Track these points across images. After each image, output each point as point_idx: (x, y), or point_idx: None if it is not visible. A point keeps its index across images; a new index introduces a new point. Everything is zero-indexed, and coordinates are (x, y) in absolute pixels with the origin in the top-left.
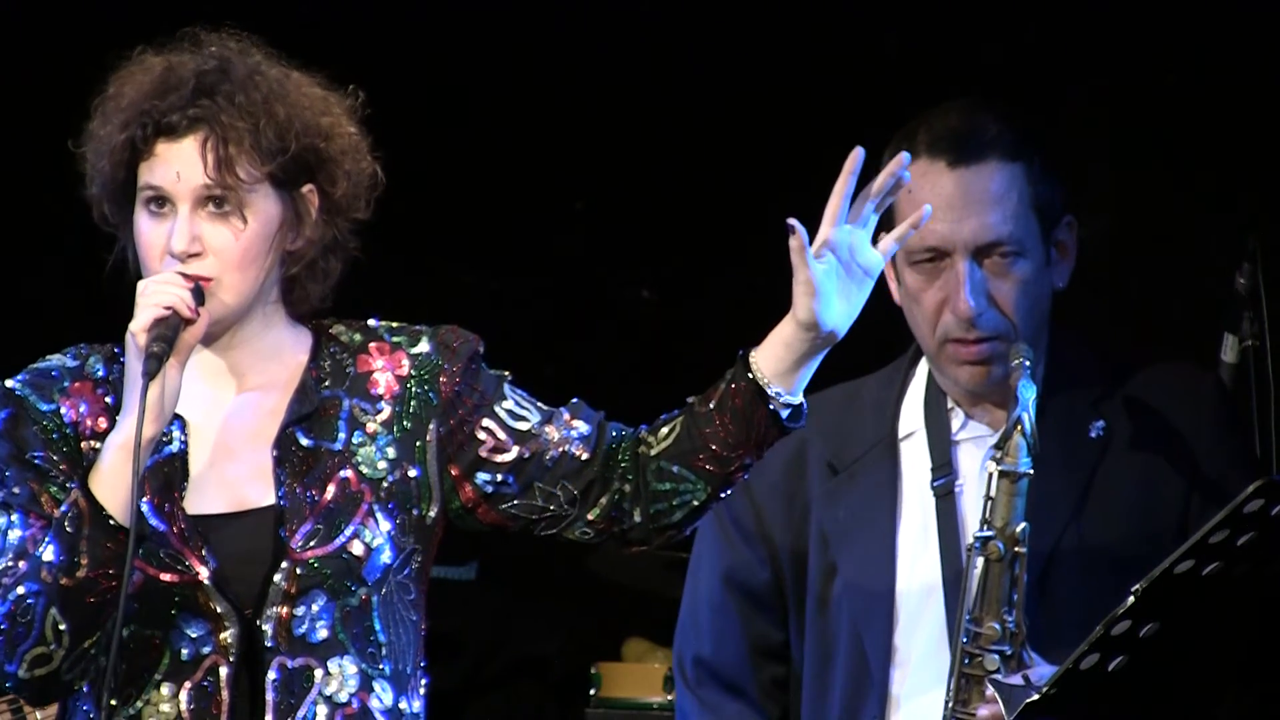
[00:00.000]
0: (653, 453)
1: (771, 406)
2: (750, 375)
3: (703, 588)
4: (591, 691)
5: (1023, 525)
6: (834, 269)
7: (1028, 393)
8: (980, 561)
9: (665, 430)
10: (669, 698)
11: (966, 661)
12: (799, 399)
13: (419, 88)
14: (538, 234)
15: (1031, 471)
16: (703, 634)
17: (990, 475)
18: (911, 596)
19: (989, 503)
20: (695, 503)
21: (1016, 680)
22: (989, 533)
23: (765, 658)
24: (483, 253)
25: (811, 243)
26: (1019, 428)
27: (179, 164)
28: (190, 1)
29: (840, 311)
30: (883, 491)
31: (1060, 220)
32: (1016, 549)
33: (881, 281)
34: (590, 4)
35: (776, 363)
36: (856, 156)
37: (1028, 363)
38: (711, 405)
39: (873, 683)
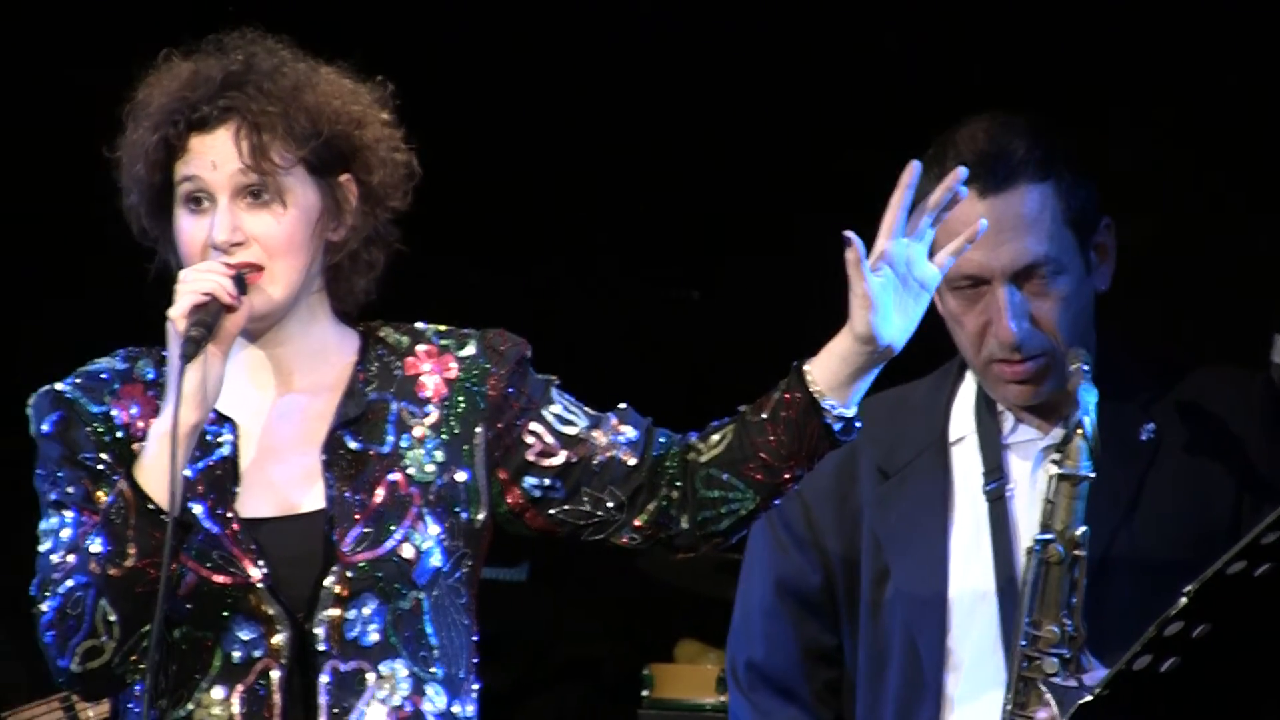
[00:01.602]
0: (702, 459)
1: (825, 419)
2: (804, 387)
3: (755, 593)
4: (644, 693)
5: (1083, 529)
6: (890, 282)
7: (1089, 396)
8: (1039, 565)
9: (716, 437)
10: (721, 699)
11: (1025, 665)
12: (852, 412)
13: (462, 87)
14: (585, 235)
15: (1093, 475)
16: (755, 639)
17: (1050, 478)
18: (964, 600)
19: (1049, 506)
20: (743, 511)
21: (1070, 682)
22: (1049, 536)
23: (818, 662)
24: (526, 255)
25: (868, 255)
26: (1080, 431)
27: (213, 155)
28: (218, 7)
29: (897, 325)
30: (934, 496)
31: (1097, 225)
32: (1076, 552)
33: None
34: (629, 3)
35: (831, 375)
36: (913, 170)
37: (1086, 367)
38: (764, 415)
39: (927, 686)
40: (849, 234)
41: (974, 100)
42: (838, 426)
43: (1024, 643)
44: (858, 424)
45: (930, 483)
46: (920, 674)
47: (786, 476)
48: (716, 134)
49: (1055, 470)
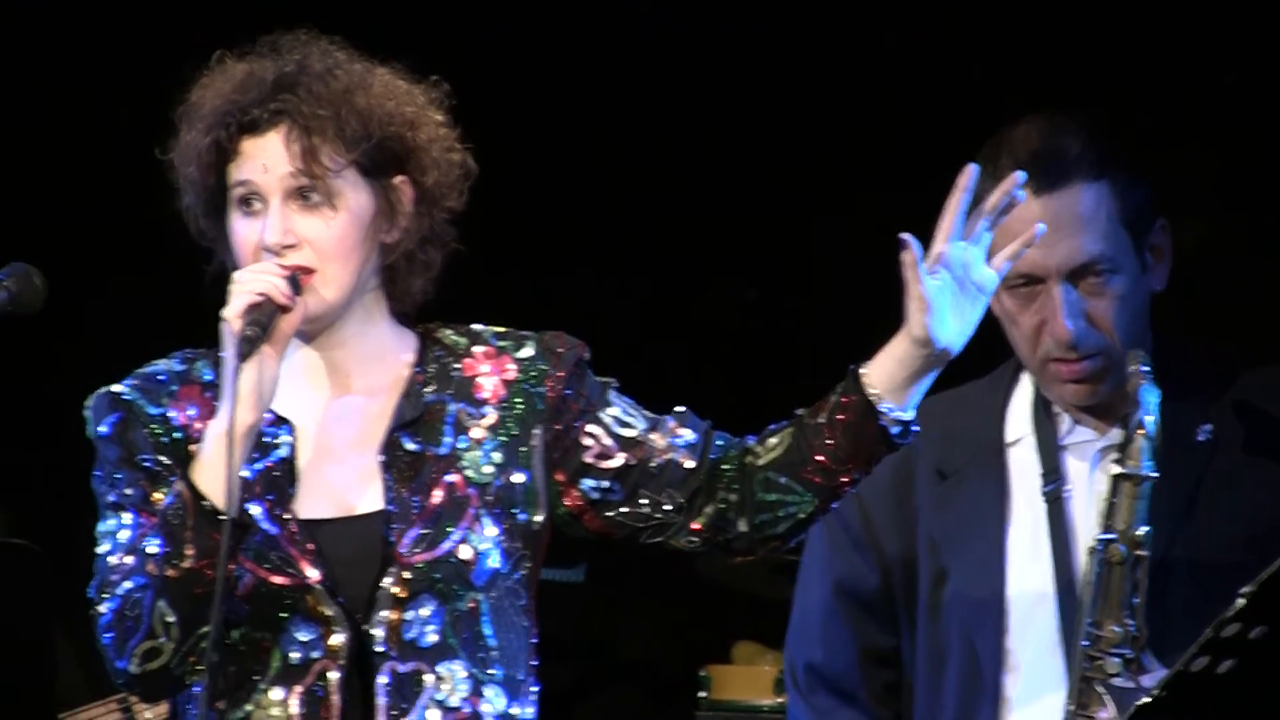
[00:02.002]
0: (760, 463)
1: (881, 422)
2: (861, 390)
3: (813, 595)
4: (701, 694)
5: (1145, 529)
6: (947, 285)
7: (1151, 396)
8: (1101, 565)
9: (773, 441)
10: (779, 700)
11: (1087, 665)
12: (909, 415)
13: (520, 88)
14: (639, 234)
15: (1155, 475)
16: (814, 641)
17: (1112, 478)
18: (1023, 601)
19: (1110, 505)
20: (801, 515)
21: (1128, 683)
22: (1111, 535)
23: (876, 664)
24: (582, 254)
25: (925, 258)
26: (1141, 431)
27: (265, 158)
28: (275, 8)
29: (954, 328)
30: (991, 497)
31: (1153, 225)
32: (1138, 552)
33: None
34: (683, 5)
35: (888, 378)
36: (970, 173)
37: (1146, 367)
38: (821, 418)
39: (985, 687)
40: (906, 236)
41: (1026, 103)
42: (895, 430)
43: (1086, 643)
44: (915, 427)
45: (987, 484)
46: (979, 675)
47: (844, 480)
48: (772, 132)
49: (1117, 470)
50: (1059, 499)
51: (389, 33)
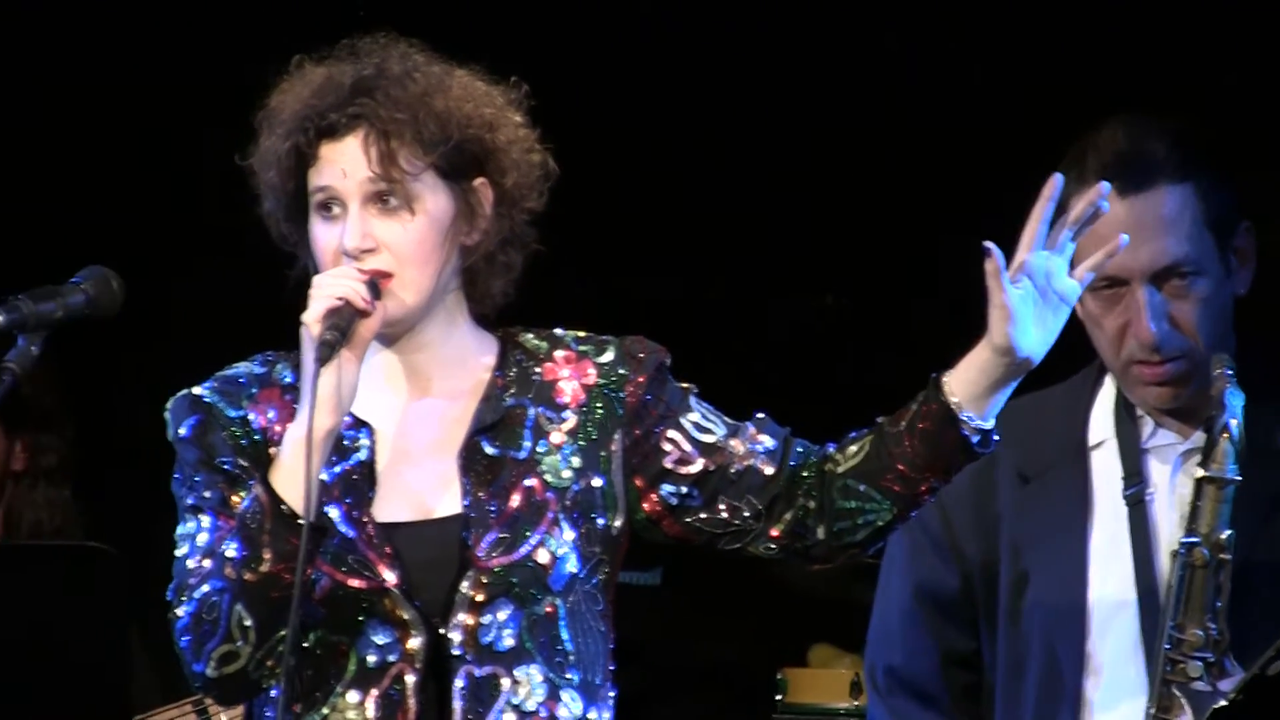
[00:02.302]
0: (839, 470)
1: (962, 431)
2: (941, 398)
3: (893, 598)
4: (778, 697)
5: (1228, 532)
6: (1030, 294)
7: (1235, 400)
8: (1184, 568)
9: (854, 448)
10: (855, 703)
11: (1169, 669)
12: (990, 424)
13: (594, 92)
14: (720, 240)
15: (1239, 478)
16: (894, 644)
17: (1195, 481)
18: (1104, 605)
19: (1194, 509)
20: (880, 523)
21: (1204, 686)
22: (1194, 539)
23: (957, 667)
24: (663, 259)
25: (1008, 266)
26: (1226, 435)
27: (343, 163)
28: (352, 11)
29: (1036, 337)
30: (1074, 500)
31: (1237, 228)
32: (1221, 556)
33: None
34: (766, 11)
35: (969, 386)
36: (1054, 183)
37: (1230, 371)
38: (902, 425)
39: (1066, 691)
40: (989, 245)
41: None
42: (975, 439)
43: (1168, 646)
44: (995, 436)
45: (1069, 487)
46: (1060, 679)
47: (923, 488)
48: (855, 138)
49: (1201, 473)
50: (1141, 502)
51: (469, 34)
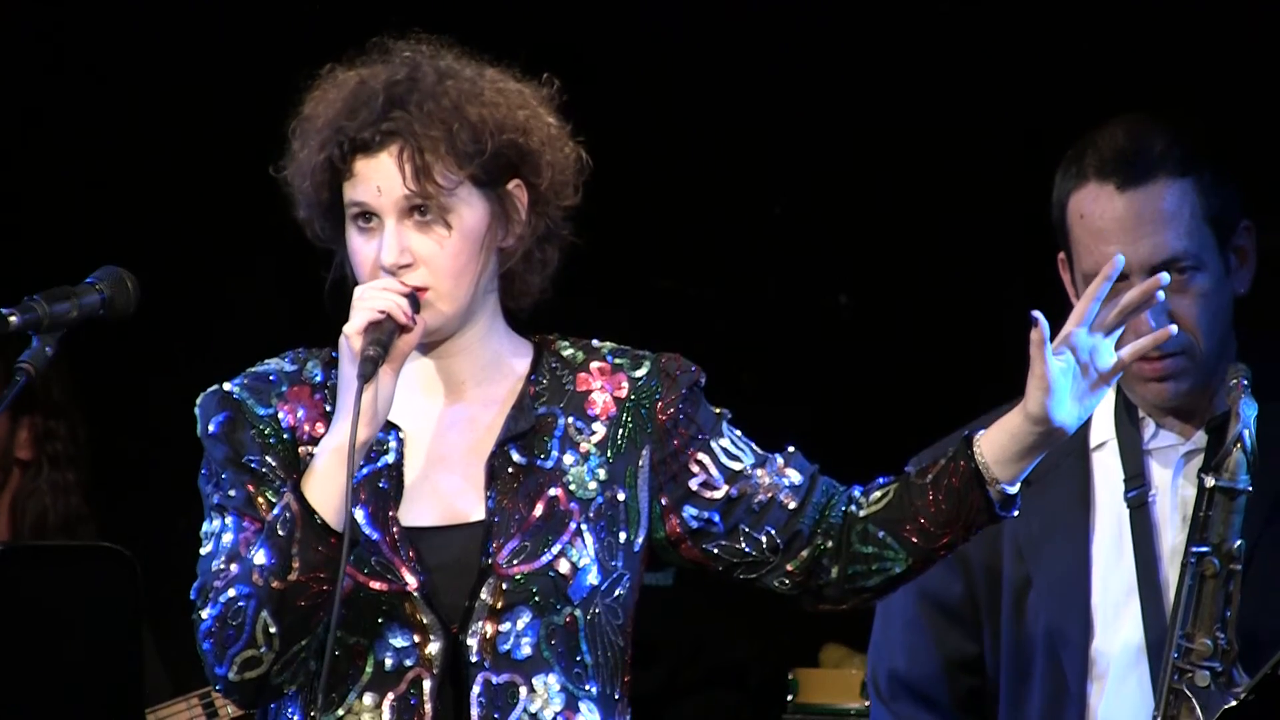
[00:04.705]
0: (861, 514)
1: (988, 493)
2: (971, 457)
3: (896, 602)
4: (789, 697)
5: (1239, 542)
6: (1070, 368)
7: (1249, 410)
8: (1194, 578)
9: (878, 494)
10: (866, 704)
11: (1176, 677)
12: (1015, 489)
13: (600, 93)
14: (733, 240)
15: (1251, 489)
16: (896, 648)
17: (1206, 490)
18: (1107, 608)
19: (1205, 519)
20: (895, 571)
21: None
22: (1205, 549)
23: (960, 671)
24: (679, 260)
25: (1052, 338)
26: (1239, 444)
27: (378, 179)
28: (381, 10)
29: (1072, 411)
30: (1075, 502)
31: (1237, 227)
32: (1232, 566)
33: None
34: (782, 9)
35: (1000, 450)
36: (1115, 263)
37: (1246, 380)
38: (928, 479)
39: (1070, 695)
40: (1036, 314)
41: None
42: (998, 502)
43: (1175, 654)
44: (1019, 502)
45: (1071, 489)
46: (1064, 682)
47: (942, 543)
48: (871, 138)
49: (1212, 482)
50: (1143, 504)
51: (503, 29)
